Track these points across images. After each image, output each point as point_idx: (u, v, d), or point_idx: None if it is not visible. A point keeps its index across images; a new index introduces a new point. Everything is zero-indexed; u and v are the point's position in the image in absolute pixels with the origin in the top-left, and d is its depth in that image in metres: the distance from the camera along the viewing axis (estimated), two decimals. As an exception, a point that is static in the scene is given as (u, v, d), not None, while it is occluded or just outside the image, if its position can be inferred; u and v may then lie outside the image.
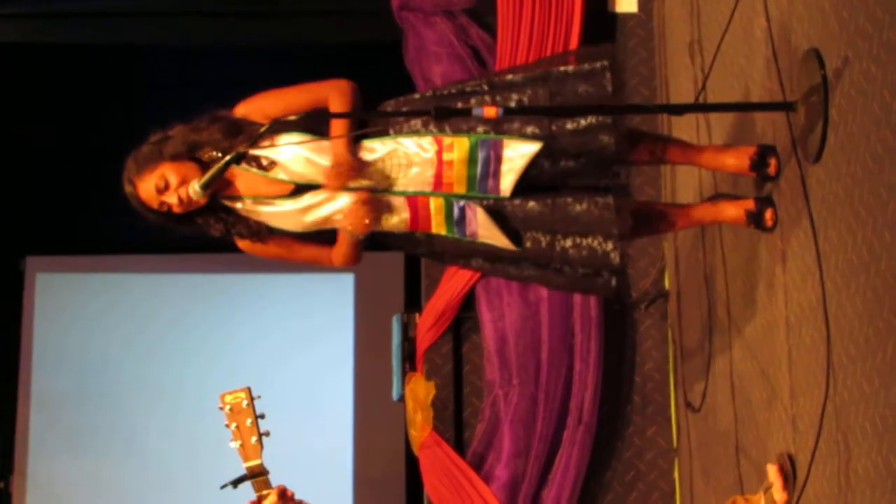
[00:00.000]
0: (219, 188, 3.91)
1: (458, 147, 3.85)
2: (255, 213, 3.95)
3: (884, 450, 3.20)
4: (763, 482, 4.02)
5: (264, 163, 3.89)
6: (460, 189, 3.87)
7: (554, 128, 3.85)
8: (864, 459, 3.34)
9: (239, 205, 3.95)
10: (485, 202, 3.89)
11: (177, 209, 3.87)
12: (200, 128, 3.92)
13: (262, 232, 3.98)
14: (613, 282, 4.05)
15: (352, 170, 3.84)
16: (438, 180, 3.86)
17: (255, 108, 3.93)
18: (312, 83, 4.01)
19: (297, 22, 7.08)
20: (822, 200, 3.67)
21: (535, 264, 4.05)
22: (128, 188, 3.93)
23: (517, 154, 3.84)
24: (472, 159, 3.85)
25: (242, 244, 4.06)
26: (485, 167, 3.85)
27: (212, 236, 4.05)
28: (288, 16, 7.04)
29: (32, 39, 7.12)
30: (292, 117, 3.83)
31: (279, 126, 3.83)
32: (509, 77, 4.02)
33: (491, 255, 4.02)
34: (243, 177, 3.93)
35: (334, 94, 3.95)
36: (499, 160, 3.85)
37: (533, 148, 3.83)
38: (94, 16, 6.99)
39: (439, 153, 3.86)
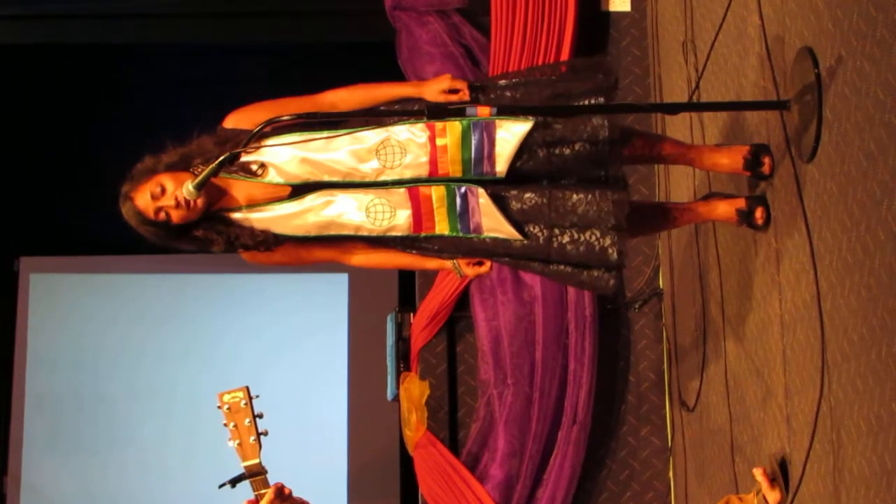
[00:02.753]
0: (215, 199, 3.89)
1: (450, 131, 3.84)
2: (257, 221, 3.92)
3: (878, 448, 3.20)
4: (755, 485, 4.03)
5: (254, 167, 3.88)
6: (456, 174, 3.85)
7: (547, 118, 3.86)
8: (859, 458, 3.34)
9: (237, 214, 3.92)
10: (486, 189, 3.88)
11: (174, 214, 3.82)
12: (191, 141, 3.91)
13: (269, 240, 3.94)
14: (612, 281, 4.03)
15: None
16: (434, 166, 3.84)
17: (245, 117, 3.90)
18: (308, 95, 4.00)
19: (289, 22, 7.07)
20: (816, 199, 3.67)
21: (533, 259, 4.04)
22: (125, 206, 3.87)
23: (510, 134, 3.83)
24: (465, 142, 3.83)
25: (248, 255, 4.03)
26: (479, 149, 3.84)
27: (211, 252, 4.00)
28: (280, 16, 7.03)
29: (26, 40, 7.11)
30: (287, 116, 3.79)
31: (273, 129, 3.81)
32: (502, 82, 4.02)
33: (489, 253, 4.01)
34: (238, 185, 3.91)
35: (337, 92, 3.94)
36: (492, 142, 3.83)
37: (525, 127, 3.82)
38: (89, 17, 6.98)
39: (432, 138, 3.84)
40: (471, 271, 4.05)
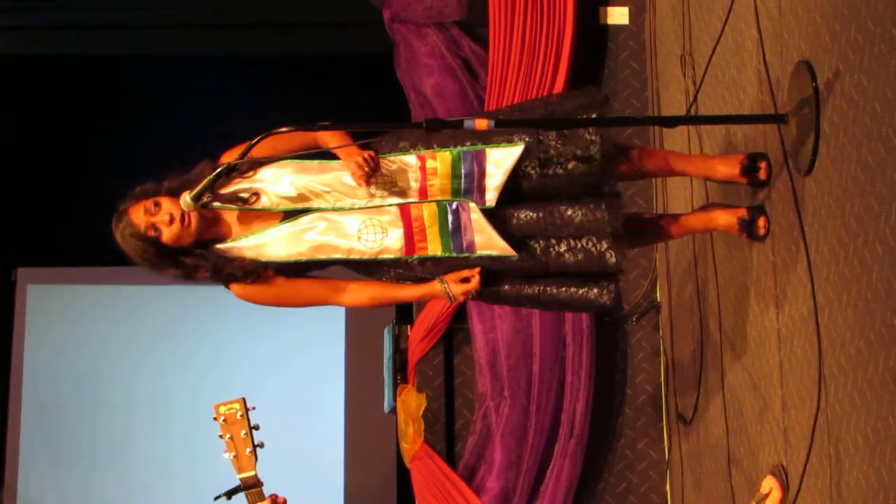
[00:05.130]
0: (208, 230, 3.89)
1: (440, 162, 3.85)
2: (250, 249, 3.90)
3: (875, 462, 3.20)
4: (755, 494, 4.02)
5: (245, 195, 3.88)
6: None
7: (540, 134, 3.87)
8: (856, 472, 3.34)
9: (229, 244, 3.92)
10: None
11: (165, 231, 3.80)
12: (191, 168, 3.91)
13: (258, 270, 3.92)
14: (607, 298, 4.01)
15: (367, 159, 3.82)
16: (423, 195, 3.86)
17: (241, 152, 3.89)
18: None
19: (288, 33, 7.08)
20: (813, 213, 3.67)
21: (530, 280, 4.00)
22: (119, 222, 3.86)
23: (501, 161, 3.84)
24: (455, 174, 3.85)
25: (238, 289, 3.98)
26: (469, 179, 3.85)
27: (196, 280, 3.96)
28: (279, 27, 7.04)
29: (21, 51, 7.11)
30: (283, 129, 3.79)
31: (266, 159, 3.83)
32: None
33: (485, 277, 3.98)
34: (232, 216, 3.92)
35: (326, 133, 3.92)
36: (482, 173, 3.85)
37: (516, 151, 3.83)
38: (84, 28, 6.98)
39: (422, 168, 3.86)
40: (459, 289, 3.94)
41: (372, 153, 3.84)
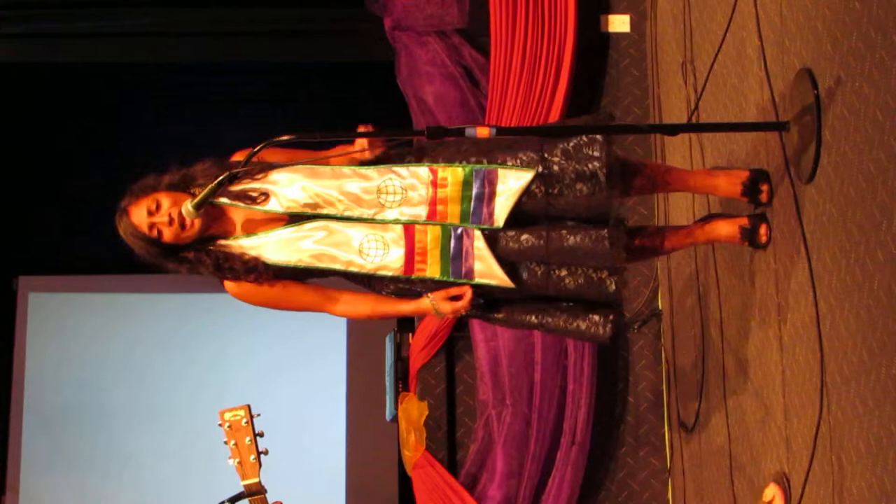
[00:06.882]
0: (212, 225, 3.89)
1: (451, 176, 3.85)
2: (251, 248, 3.90)
3: (878, 470, 3.20)
4: (758, 502, 4.02)
5: (254, 194, 3.88)
6: (454, 220, 3.85)
7: (545, 152, 3.85)
8: (858, 480, 3.34)
9: (231, 241, 3.91)
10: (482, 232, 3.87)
11: (166, 231, 3.81)
12: (195, 163, 3.92)
13: (259, 268, 3.93)
14: (608, 327, 3.99)
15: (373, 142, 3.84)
16: (432, 209, 3.85)
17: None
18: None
19: (288, 41, 7.08)
20: (815, 220, 3.67)
21: (530, 308, 3.99)
22: (121, 220, 3.87)
23: (511, 184, 3.83)
24: (465, 189, 3.84)
25: (234, 287, 3.96)
26: (479, 198, 3.84)
27: (200, 274, 3.96)
28: (279, 34, 7.04)
29: (23, 59, 7.11)
30: (286, 137, 3.78)
31: (275, 165, 3.84)
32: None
33: (488, 294, 3.97)
34: (237, 213, 3.91)
35: (336, 147, 3.93)
36: (493, 191, 3.84)
37: (526, 177, 3.83)
38: (83, 36, 6.98)
39: (434, 182, 3.85)
40: (447, 308, 3.89)
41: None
